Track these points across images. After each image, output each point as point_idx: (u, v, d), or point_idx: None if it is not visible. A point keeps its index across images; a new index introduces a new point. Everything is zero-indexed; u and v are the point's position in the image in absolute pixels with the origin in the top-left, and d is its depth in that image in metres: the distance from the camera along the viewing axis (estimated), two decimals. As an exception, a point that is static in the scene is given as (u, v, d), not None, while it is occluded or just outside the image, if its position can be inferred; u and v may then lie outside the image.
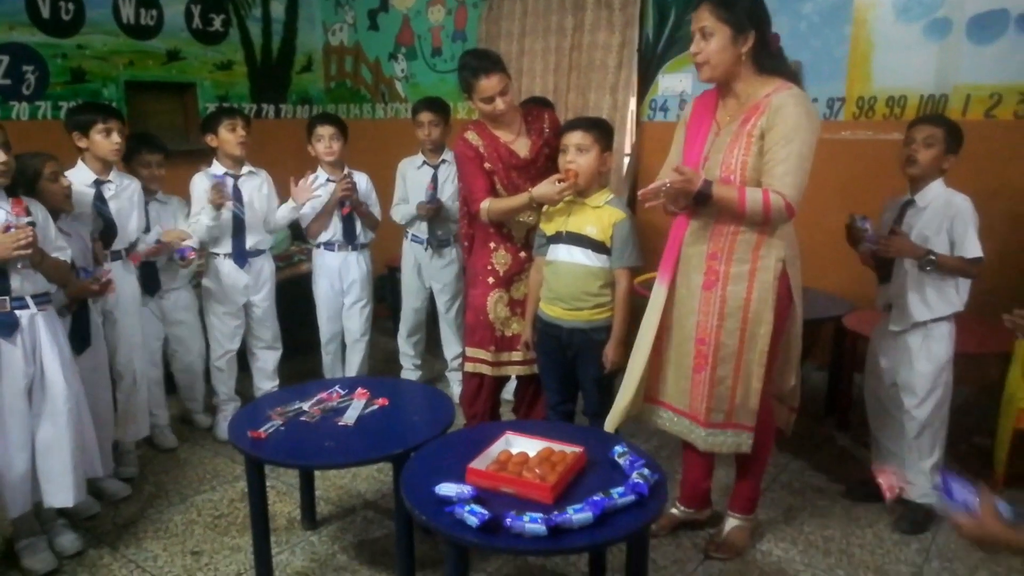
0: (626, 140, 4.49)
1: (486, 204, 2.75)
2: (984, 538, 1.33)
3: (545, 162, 2.76)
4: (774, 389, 2.46)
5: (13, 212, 2.30)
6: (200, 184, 3.29)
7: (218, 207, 3.18)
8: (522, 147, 2.78)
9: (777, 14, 3.90)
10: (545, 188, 2.53)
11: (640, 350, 2.41)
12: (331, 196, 3.47)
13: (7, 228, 2.20)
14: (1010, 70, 3.37)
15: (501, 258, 2.87)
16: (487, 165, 2.77)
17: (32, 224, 2.28)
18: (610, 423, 2.46)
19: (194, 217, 3.26)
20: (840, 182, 3.82)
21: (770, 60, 2.16)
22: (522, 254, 2.85)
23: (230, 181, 3.30)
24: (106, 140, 2.88)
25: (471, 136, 2.81)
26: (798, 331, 2.40)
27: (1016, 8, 3.32)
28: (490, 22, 4.85)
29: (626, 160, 4.55)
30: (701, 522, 2.69)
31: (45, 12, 4.43)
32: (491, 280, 2.88)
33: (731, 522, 2.56)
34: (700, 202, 2.18)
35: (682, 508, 2.66)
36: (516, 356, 2.89)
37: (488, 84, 2.64)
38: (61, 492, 2.35)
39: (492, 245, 2.87)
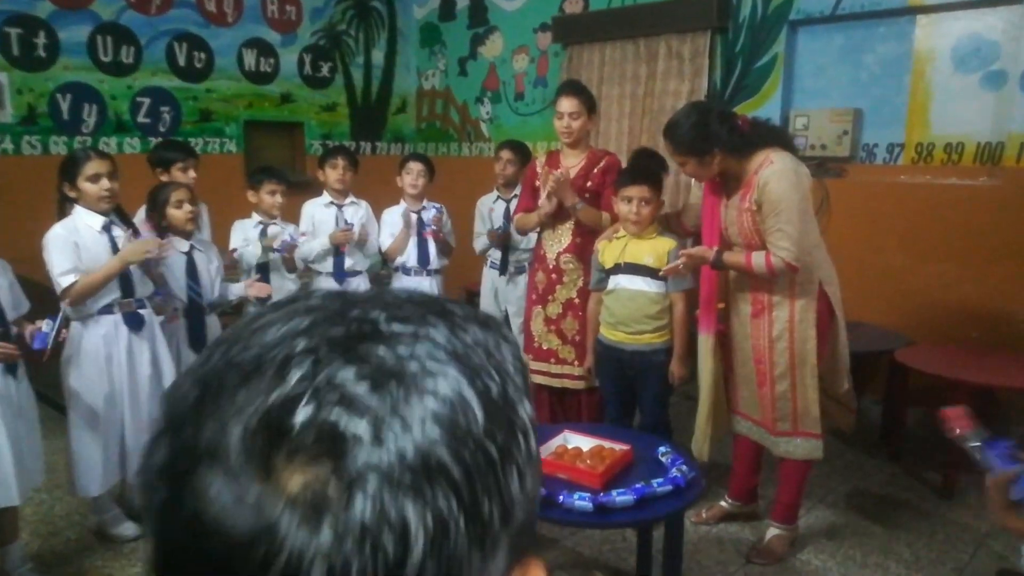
0: (693, 180, 4.77)
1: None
2: (992, 509, 1.40)
3: (581, 192, 3.16)
4: (829, 391, 2.74)
5: (147, 226, 2.84)
6: (309, 210, 3.81)
7: (338, 246, 3.72)
8: (572, 174, 3.20)
9: (839, 64, 4.20)
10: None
11: (704, 392, 2.79)
12: (408, 221, 3.88)
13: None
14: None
15: (540, 279, 3.31)
16: (538, 183, 3.22)
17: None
18: (700, 452, 2.79)
19: (302, 237, 3.74)
20: (898, 224, 4.01)
21: (746, 144, 2.50)
22: (554, 276, 3.26)
23: (355, 232, 3.78)
24: (183, 175, 3.45)
25: (539, 159, 3.36)
26: (843, 340, 2.68)
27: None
28: (570, 70, 5.25)
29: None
30: (747, 515, 2.98)
31: (182, 61, 5.11)
32: (534, 297, 3.36)
33: (772, 531, 2.79)
34: (716, 268, 2.63)
35: (731, 501, 2.98)
36: (567, 370, 3.27)
37: (564, 102, 3.13)
38: None
39: (536, 266, 3.36)
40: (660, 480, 2.09)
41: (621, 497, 2.00)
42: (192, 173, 3.48)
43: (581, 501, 1.98)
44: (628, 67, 4.97)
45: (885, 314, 4.04)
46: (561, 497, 2.00)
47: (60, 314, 2.33)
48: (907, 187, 4.01)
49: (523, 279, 4.09)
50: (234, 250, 3.62)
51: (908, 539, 2.91)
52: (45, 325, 2.23)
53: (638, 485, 2.06)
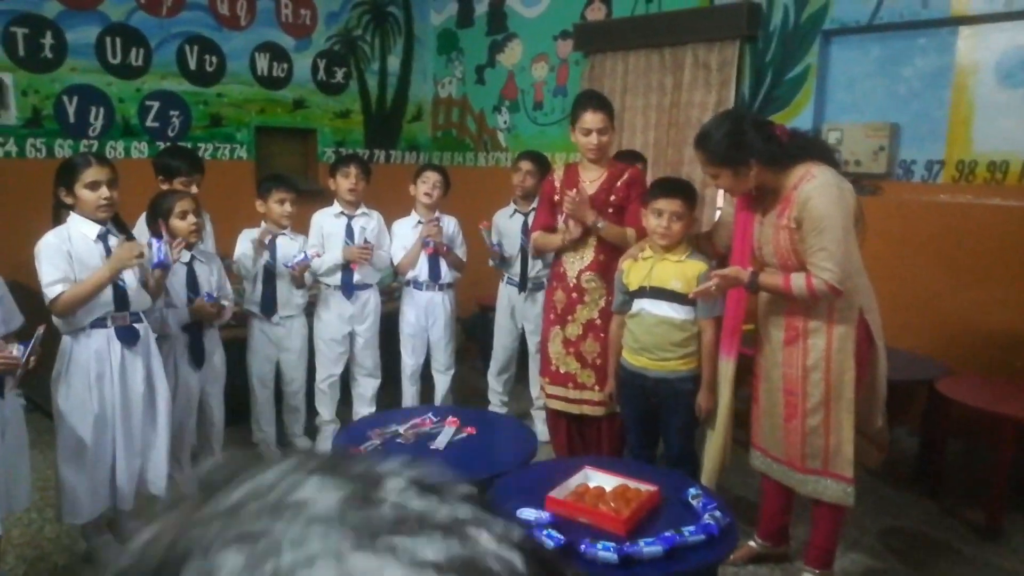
0: (719, 194, 4.58)
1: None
2: None
3: (604, 207, 2.98)
4: (861, 427, 2.51)
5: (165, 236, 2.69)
6: (319, 221, 3.65)
7: (348, 262, 3.58)
8: (593, 188, 3.01)
9: (876, 76, 4.00)
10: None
11: (721, 421, 2.59)
12: (419, 236, 3.71)
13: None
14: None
15: (560, 297, 3.11)
16: (556, 197, 3.03)
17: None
18: (709, 480, 2.59)
19: (312, 249, 3.57)
20: (937, 244, 3.79)
21: (785, 155, 2.30)
22: (574, 295, 3.06)
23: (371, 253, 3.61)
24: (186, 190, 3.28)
25: (556, 173, 3.17)
26: (883, 372, 2.46)
27: None
28: (592, 80, 5.07)
29: (718, 213, 4.63)
30: (778, 557, 2.76)
31: (192, 64, 4.98)
32: (552, 316, 3.15)
33: (806, 576, 2.58)
34: (752, 290, 2.42)
35: (760, 542, 2.76)
36: (586, 395, 3.07)
37: (591, 118, 2.92)
38: (159, 480, 2.70)
39: (554, 284, 3.15)
40: (691, 528, 1.90)
41: (649, 548, 1.81)
42: (195, 189, 3.31)
43: (605, 552, 1.79)
44: (653, 77, 4.79)
45: (921, 340, 3.81)
46: (583, 546, 1.81)
47: (33, 339, 2.21)
48: (947, 207, 3.79)
49: (542, 295, 3.91)
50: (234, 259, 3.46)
51: (953, 588, 2.70)
52: (16, 350, 2.10)
53: (667, 533, 1.87)
